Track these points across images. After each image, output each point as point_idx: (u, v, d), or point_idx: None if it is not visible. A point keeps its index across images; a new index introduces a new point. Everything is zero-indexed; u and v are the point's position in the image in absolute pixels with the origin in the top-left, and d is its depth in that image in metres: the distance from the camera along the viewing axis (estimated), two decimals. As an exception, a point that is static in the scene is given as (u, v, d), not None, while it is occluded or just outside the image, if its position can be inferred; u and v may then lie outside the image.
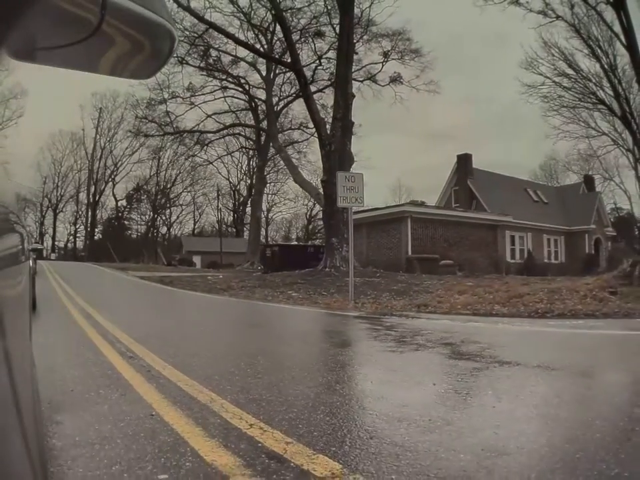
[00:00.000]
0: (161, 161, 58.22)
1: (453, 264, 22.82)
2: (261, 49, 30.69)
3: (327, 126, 21.38)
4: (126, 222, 66.29)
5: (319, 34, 30.49)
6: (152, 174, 60.24)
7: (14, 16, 0.59)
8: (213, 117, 34.70)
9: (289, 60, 22.34)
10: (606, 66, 28.26)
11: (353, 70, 32.07)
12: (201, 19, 21.98)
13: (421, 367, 4.62)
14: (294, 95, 34.60)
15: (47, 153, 58.13)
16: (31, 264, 5.91)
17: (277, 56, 30.33)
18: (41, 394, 2.39)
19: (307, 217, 65.25)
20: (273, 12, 21.74)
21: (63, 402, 3.43)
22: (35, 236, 55.88)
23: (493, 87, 76.32)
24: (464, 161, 30.59)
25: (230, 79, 34.13)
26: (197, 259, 56.78)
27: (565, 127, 30.45)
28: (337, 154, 20.02)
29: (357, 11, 27.98)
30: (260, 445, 2.60)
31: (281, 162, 38.02)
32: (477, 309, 10.12)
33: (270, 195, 61.28)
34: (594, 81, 29.22)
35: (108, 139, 57.99)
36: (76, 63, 0.76)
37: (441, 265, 22.94)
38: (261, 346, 5.83)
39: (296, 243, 37.99)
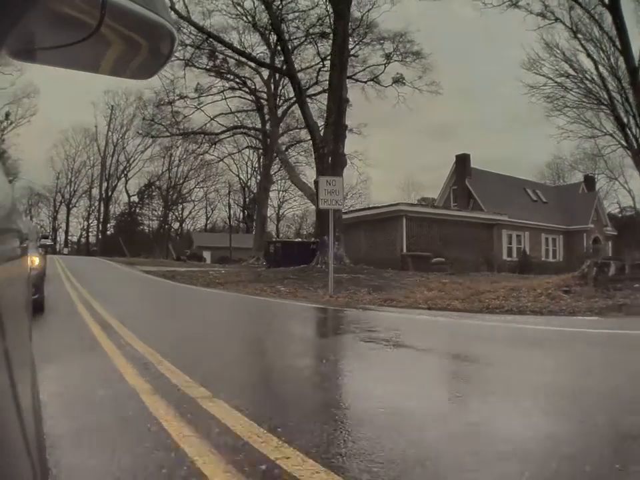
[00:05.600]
0: (172, 157, 59.20)
1: (444, 261, 23.57)
2: (267, 50, 31.59)
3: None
4: (138, 217, 67.56)
5: (324, 35, 31.27)
6: (164, 170, 61.28)
7: (14, 16, 0.59)
8: (219, 116, 35.67)
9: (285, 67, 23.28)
10: (607, 67, 28.66)
11: (358, 71, 32.88)
12: (200, 28, 22.91)
13: (330, 347, 5.53)
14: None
15: (61, 149, 59.34)
16: (37, 261, 6.87)
17: (281, 57, 31.20)
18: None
19: (318, 213, 65.87)
20: (270, 21, 22.60)
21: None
22: (48, 231, 57.07)
23: (495, 85, 76.28)
24: (462, 160, 31.33)
25: (237, 80, 35.05)
26: (207, 254, 57.81)
27: (568, 126, 30.83)
28: (329, 157, 20.89)
29: (357, 14, 28.75)
30: (166, 378, 3.62)
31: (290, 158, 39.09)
32: (435, 303, 10.93)
33: (281, 192, 62.13)
34: (597, 82, 29.56)
35: (120, 135, 59.12)
36: (76, 63, 0.77)
37: (432, 262, 23.71)
38: (210, 318, 6.97)
39: (299, 239, 38.77)
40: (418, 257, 24.37)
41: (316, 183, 21.68)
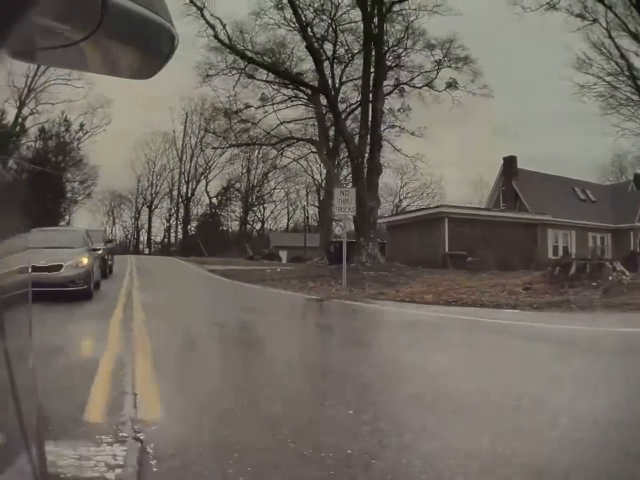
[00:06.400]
0: (250, 159, 61.53)
1: (480, 260, 24.72)
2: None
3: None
4: (220, 218, 71.42)
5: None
6: (242, 172, 64.03)
7: (14, 16, 0.59)
8: (287, 124, 38.03)
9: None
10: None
11: (414, 77, 34.15)
12: (241, 54, 25.45)
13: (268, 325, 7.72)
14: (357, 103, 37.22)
15: (141, 153, 61.31)
16: (85, 260, 9.62)
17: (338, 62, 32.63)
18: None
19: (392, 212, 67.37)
20: (305, 43, 24.78)
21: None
22: (131, 231, 61.48)
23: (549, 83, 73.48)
24: (509, 162, 32.06)
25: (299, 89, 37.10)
26: (283, 254, 60.67)
27: (623, 124, 30.63)
28: (363, 166, 22.86)
29: (403, 25, 30.18)
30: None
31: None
32: (411, 297, 12.70)
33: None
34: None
35: (198, 139, 61.42)
36: (76, 63, 0.79)
37: (468, 261, 24.96)
38: (203, 296, 9.55)
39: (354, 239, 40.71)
40: (457, 255, 25.69)
41: (331, 192, 23.75)
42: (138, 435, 2.87)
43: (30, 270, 1.15)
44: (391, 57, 33.65)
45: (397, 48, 31.61)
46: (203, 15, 24.58)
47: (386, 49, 28.33)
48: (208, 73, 26.81)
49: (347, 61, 32.42)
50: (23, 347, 0.92)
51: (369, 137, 23.24)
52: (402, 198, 60.56)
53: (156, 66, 0.84)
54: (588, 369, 4.92)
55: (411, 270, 21.39)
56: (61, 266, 10.40)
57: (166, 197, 62.07)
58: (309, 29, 29.01)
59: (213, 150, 44.57)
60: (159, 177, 60.75)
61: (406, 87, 33.20)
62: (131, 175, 59.08)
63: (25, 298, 1.01)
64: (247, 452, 2.69)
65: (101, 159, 61.18)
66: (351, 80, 34.16)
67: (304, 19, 26.64)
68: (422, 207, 31.80)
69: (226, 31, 24.98)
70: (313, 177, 66.63)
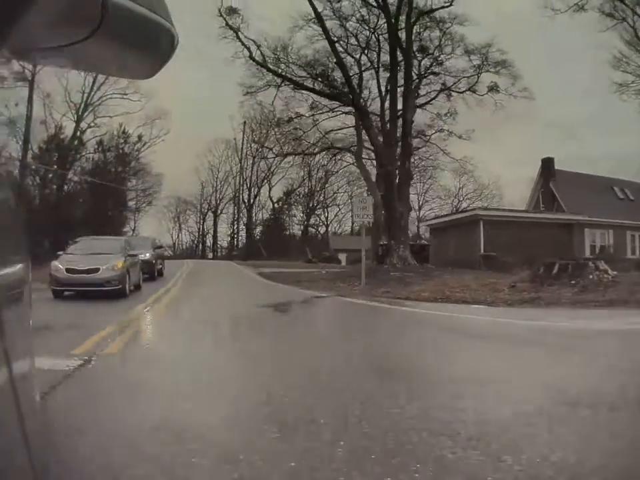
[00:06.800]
0: (310, 164, 62.68)
1: (512, 261, 25.52)
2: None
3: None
4: (284, 222, 73.67)
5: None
6: (304, 177, 65.49)
7: (14, 16, 0.60)
8: (332, 132, 39.81)
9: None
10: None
11: (455, 82, 34.95)
12: (275, 73, 27.38)
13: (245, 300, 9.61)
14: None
15: (204, 160, 63.44)
16: (120, 264, 11.89)
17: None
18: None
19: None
20: (334, 60, 26.45)
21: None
22: (196, 236, 63.94)
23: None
24: (547, 164, 32.42)
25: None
26: (342, 257, 62.35)
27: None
28: (392, 174, 24.32)
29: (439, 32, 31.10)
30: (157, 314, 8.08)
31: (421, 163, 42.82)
32: (409, 295, 14.13)
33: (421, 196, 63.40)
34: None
35: (259, 146, 63.10)
36: (76, 63, 0.81)
37: (501, 262, 25.81)
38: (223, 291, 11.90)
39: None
40: (491, 257, 26.60)
41: (382, 196, 25.21)
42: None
43: (29, 270, 1.14)
44: (435, 63, 34.68)
45: (438, 55, 32.60)
46: (238, 37, 26.68)
47: (421, 57, 29.63)
48: (248, 91, 28.90)
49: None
50: (23, 346, 0.91)
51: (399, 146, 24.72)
52: (461, 199, 60.96)
53: (156, 66, 0.86)
54: (441, 347, 6.52)
55: (437, 271, 22.62)
56: (99, 269, 12.34)
57: (230, 202, 64.04)
58: (355, 38, 30.62)
59: (274, 157, 46.41)
60: (222, 182, 62.32)
61: (450, 91, 34.13)
62: (195, 182, 60.98)
63: (24, 295, 1.00)
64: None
65: (165, 167, 63.90)
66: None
67: (345, 31, 28.21)
68: (462, 209, 32.50)
69: (260, 51, 26.99)
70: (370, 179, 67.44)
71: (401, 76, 25.95)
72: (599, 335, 7.23)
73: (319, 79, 29.41)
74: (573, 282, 12.98)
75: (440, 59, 31.80)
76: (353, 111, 38.02)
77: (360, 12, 29.30)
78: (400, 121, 25.35)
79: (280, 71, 27.80)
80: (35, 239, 15.63)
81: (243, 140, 63.12)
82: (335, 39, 28.52)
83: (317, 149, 34.34)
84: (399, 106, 25.64)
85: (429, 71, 33.51)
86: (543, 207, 31.93)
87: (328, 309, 12.15)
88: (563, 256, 28.21)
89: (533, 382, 4.56)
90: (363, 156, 33.26)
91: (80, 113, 38.57)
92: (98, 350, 5.67)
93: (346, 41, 30.41)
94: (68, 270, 12.52)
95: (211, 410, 3.70)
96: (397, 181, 24.89)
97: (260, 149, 62.22)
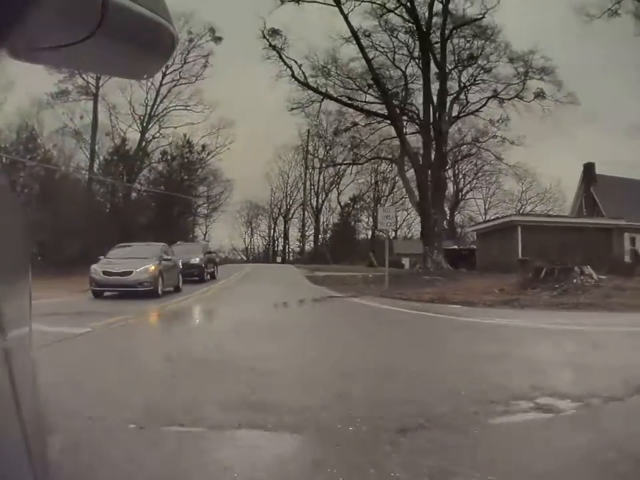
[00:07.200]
0: (377, 170, 63.44)
1: (542, 265, 26.51)
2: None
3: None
4: (353, 227, 75.39)
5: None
6: (371, 182, 66.65)
7: (14, 16, 0.61)
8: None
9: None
10: None
11: (502, 89, 35.90)
12: (315, 90, 29.62)
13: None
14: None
15: (274, 165, 62.99)
16: (152, 268, 14.45)
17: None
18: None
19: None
20: (371, 76, 28.40)
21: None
22: (267, 240, 65.93)
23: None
24: (588, 169, 32.92)
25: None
26: (405, 260, 63.59)
27: None
28: (426, 183, 26.07)
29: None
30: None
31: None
32: (417, 296, 15.88)
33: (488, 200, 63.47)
34: None
35: (326, 152, 64.60)
36: (76, 63, 0.84)
37: (534, 266, 26.84)
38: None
39: (456, 246, 42.96)
40: (525, 261, 27.70)
41: (417, 205, 27.00)
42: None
43: (30, 273, 1.18)
44: (482, 71, 35.58)
45: (485, 62, 33.64)
46: (281, 57, 29.15)
47: (461, 67, 31.00)
48: (293, 107, 31.28)
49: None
50: (23, 345, 0.92)
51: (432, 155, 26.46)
52: (524, 203, 60.76)
53: (156, 66, 0.87)
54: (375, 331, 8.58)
55: (466, 275, 24.16)
56: (132, 272, 13.92)
57: (300, 207, 65.75)
58: (406, 48, 32.28)
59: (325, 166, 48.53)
60: (292, 188, 62.74)
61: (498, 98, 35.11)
62: (267, 187, 62.23)
63: (24, 294, 1.02)
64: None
65: (237, 173, 65.91)
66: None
67: (394, 42, 30.02)
68: (498, 216, 33.53)
69: (302, 70, 29.39)
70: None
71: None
72: (501, 328, 9.08)
73: (369, 91, 31.35)
74: (556, 286, 14.39)
75: (487, 66, 33.08)
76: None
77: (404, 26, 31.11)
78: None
79: (323, 87, 30.05)
80: (105, 244, 18.28)
81: (307, 147, 65.58)
82: (385, 51, 30.36)
83: (363, 159, 36.40)
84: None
85: (478, 78, 34.50)
86: (586, 212, 32.41)
87: (326, 307, 14.00)
88: (603, 261, 28.78)
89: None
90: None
91: (145, 124, 40.34)
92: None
93: (393, 52, 31.95)
94: (104, 272, 14.09)
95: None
96: (432, 189, 26.60)
97: (326, 156, 64.39)
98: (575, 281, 14.50)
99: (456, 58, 31.10)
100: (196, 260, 20.59)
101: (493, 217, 43.28)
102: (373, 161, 45.22)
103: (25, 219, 1.22)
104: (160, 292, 14.73)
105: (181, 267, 17.71)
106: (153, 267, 14.69)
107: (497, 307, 12.99)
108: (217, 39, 37.69)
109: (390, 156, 35.36)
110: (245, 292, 18.51)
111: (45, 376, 1.47)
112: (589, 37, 42.14)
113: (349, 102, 30.30)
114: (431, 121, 26.74)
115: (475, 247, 37.87)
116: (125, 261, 14.65)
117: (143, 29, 0.75)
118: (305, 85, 29.37)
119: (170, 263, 16.35)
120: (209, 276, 22.49)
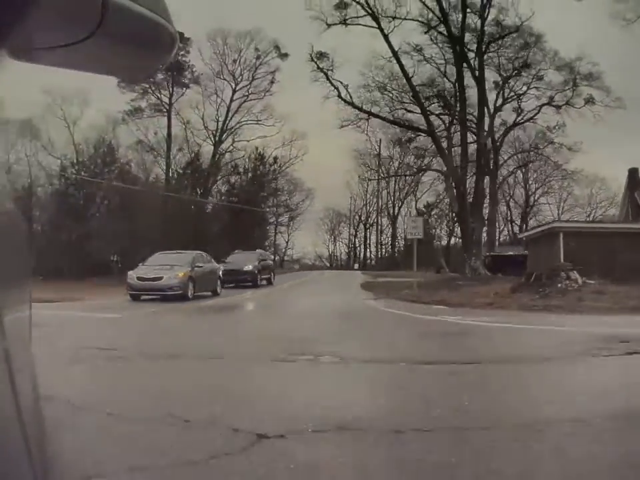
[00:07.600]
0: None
1: (581, 269, 27.69)
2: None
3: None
4: (431, 234, 75.92)
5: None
6: (443, 190, 67.81)
7: (14, 16, 0.61)
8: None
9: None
10: None
11: (553, 95, 36.68)
12: (359, 109, 32.03)
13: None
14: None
15: (354, 174, 63.29)
16: (181, 274, 17.29)
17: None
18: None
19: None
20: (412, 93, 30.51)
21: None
22: (349, 247, 67.55)
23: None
24: (633, 174, 33.26)
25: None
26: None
27: None
28: (464, 193, 28.17)
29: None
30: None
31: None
32: (431, 299, 18.23)
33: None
34: None
35: (400, 162, 65.25)
36: (76, 63, 0.80)
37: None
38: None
39: (511, 252, 43.97)
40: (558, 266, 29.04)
41: (456, 214, 29.08)
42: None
43: (30, 273, 1.19)
44: (534, 79, 36.37)
45: (537, 71, 34.74)
46: (328, 79, 31.40)
47: (502, 79, 32.51)
48: (342, 124, 33.39)
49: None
50: (23, 347, 0.93)
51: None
52: (594, 207, 60.09)
53: (156, 66, 0.88)
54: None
55: (497, 280, 25.94)
56: (162, 277, 15.22)
57: (380, 215, 67.23)
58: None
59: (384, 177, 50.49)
60: (371, 196, 62.85)
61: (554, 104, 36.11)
62: (347, 195, 61.37)
63: (24, 293, 1.03)
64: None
65: (316, 182, 66.84)
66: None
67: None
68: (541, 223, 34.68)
69: (347, 91, 31.67)
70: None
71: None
72: (443, 322, 11.65)
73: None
74: (540, 290, 16.27)
75: (539, 74, 34.40)
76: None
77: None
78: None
79: (367, 105, 32.34)
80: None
81: (379, 156, 67.66)
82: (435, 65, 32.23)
83: (410, 171, 38.61)
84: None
85: (532, 85, 35.57)
86: (631, 218, 32.84)
87: (342, 308, 16.65)
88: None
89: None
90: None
91: (218, 139, 42.29)
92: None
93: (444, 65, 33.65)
94: (138, 278, 15.48)
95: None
96: (472, 199, 28.60)
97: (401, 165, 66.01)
98: (559, 285, 16.26)
99: (504, 68, 32.54)
100: (249, 267, 22.99)
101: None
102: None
103: (25, 229, 1.28)
104: (190, 295, 16.17)
105: (220, 273, 19.29)
106: (182, 273, 16.06)
107: (478, 309, 14.21)
108: (283, 56, 39.93)
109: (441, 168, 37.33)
110: (280, 298, 20.07)
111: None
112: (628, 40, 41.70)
113: (392, 120, 32.62)
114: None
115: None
116: (158, 267, 15.99)
117: (143, 28, 0.75)
118: (351, 104, 31.79)
119: (204, 269, 17.76)
120: (264, 282, 24.85)
